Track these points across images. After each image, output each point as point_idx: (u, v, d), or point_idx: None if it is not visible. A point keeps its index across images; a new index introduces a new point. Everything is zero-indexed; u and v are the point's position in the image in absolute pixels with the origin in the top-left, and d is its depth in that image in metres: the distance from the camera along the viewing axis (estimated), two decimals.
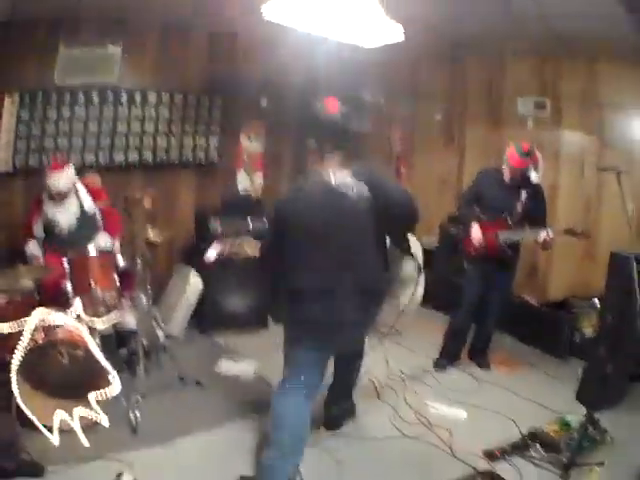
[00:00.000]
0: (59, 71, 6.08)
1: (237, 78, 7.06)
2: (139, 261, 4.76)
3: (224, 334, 6.13)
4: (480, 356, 5.60)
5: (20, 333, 3.81)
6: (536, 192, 5.12)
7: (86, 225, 5.22)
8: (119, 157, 6.62)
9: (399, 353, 5.81)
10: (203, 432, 4.21)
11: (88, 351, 3.97)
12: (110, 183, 6.11)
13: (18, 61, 5.81)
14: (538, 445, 4.00)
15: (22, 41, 5.80)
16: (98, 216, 5.33)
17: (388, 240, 3.71)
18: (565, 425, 4.14)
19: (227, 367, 5.35)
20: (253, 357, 5.51)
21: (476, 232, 5.12)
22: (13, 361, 3.72)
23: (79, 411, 3.92)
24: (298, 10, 4.34)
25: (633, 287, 4.01)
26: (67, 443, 3.78)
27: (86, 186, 5.36)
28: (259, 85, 7.30)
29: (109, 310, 4.59)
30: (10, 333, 3.85)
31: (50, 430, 3.79)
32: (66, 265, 4.54)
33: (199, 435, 4.17)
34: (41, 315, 3.93)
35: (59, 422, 3.83)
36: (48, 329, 3.97)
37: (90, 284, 4.52)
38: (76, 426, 3.87)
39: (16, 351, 3.73)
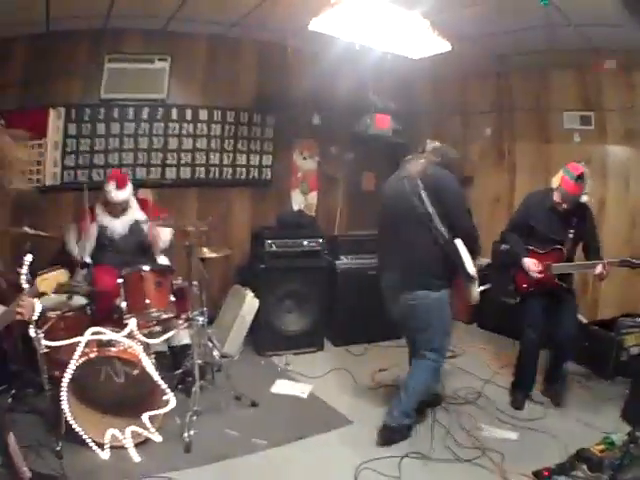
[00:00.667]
0: (105, 85, 6.11)
1: (288, 95, 7.01)
2: (194, 279, 4.74)
3: (280, 355, 6.04)
4: (554, 392, 5.17)
5: (71, 349, 3.81)
6: (586, 216, 4.88)
7: (139, 241, 5.30)
8: (171, 174, 6.62)
9: (454, 374, 5.70)
10: (256, 452, 4.13)
11: (143, 369, 3.94)
12: (163, 200, 6.18)
13: (61, 74, 5.85)
14: (584, 465, 3.87)
15: (63, 54, 5.83)
16: (150, 233, 5.34)
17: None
18: (610, 444, 4.00)
19: (283, 387, 5.27)
20: (309, 378, 5.47)
21: (531, 265, 4.84)
22: (64, 377, 3.71)
23: (132, 428, 3.92)
24: (347, 22, 4.34)
25: None
26: (117, 459, 3.78)
27: (140, 202, 5.43)
28: (310, 102, 7.27)
29: (164, 329, 4.59)
30: (61, 349, 3.86)
31: (100, 446, 3.79)
32: (120, 282, 4.50)
33: (252, 455, 4.09)
34: (94, 332, 3.93)
35: (110, 438, 3.84)
36: (101, 346, 3.97)
37: (145, 302, 4.46)
38: (128, 443, 3.86)
39: (68, 367, 3.73)
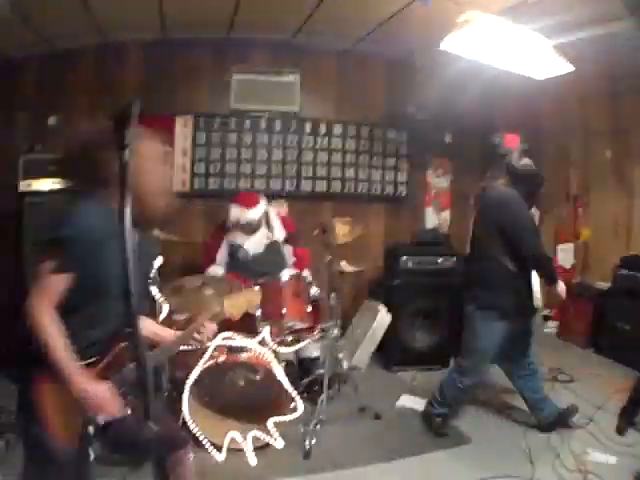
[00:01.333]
0: (235, 96, 6.28)
1: (419, 112, 7.00)
2: (333, 292, 4.79)
3: (407, 370, 6.00)
4: None
5: (198, 353, 3.86)
6: None
7: (275, 253, 5.30)
8: (306, 186, 6.74)
9: (569, 399, 5.46)
10: (375, 464, 4.10)
11: (271, 376, 4.00)
12: (298, 212, 6.25)
13: (184, 82, 6.10)
14: None
15: (184, 61, 6.06)
16: (287, 248, 5.42)
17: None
18: None
19: (407, 402, 5.23)
20: None
21: None
22: (188, 379, 3.80)
23: (253, 433, 3.98)
24: (476, 42, 4.35)
25: None
26: (232, 462, 3.84)
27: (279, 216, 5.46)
28: (441, 120, 7.24)
29: (297, 338, 4.64)
30: (187, 351, 3.87)
31: (217, 448, 3.85)
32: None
33: (369, 467, 4.07)
34: (224, 337, 3.99)
35: (229, 441, 3.90)
36: (231, 351, 4.05)
37: (282, 312, 4.50)
38: (248, 447, 3.90)
39: (193, 370, 3.82)
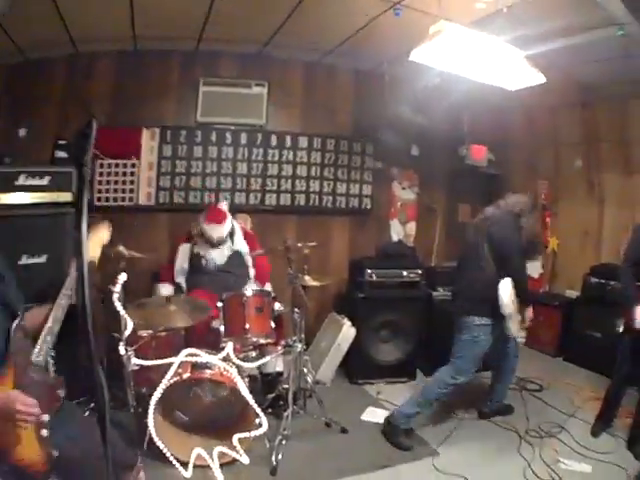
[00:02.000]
0: (202, 108, 6.26)
1: (386, 124, 7.01)
2: (294, 306, 4.79)
3: (372, 384, 6.01)
4: (637, 445, 4.71)
5: (161, 368, 3.86)
6: None
7: (237, 267, 5.32)
8: (271, 200, 6.72)
9: (538, 408, 5.59)
10: (340, 478, 4.10)
11: (235, 392, 3.99)
12: (262, 226, 6.25)
13: (153, 94, 6.07)
14: None
15: (153, 74, 6.04)
16: (250, 262, 5.43)
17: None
18: None
19: (373, 415, 5.23)
20: None
21: (637, 315, 4.52)
22: (153, 395, 3.76)
23: (219, 449, 3.95)
24: (446, 53, 4.38)
25: None
26: (201, 478, 3.83)
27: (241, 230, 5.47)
28: (408, 132, 7.26)
29: (260, 353, 4.64)
30: (151, 368, 3.92)
31: (183, 464, 3.82)
32: (220, 306, 4.53)
33: None
34: (188, 354, 3.97)
35: (195, 457, 3.87)
36: (195, 367, 4.03)
37: (244, 327, 4.48)
38: (214, 463, 3.87)
39: (157, 386, 3.79)
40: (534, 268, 8.05)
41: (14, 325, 2.57)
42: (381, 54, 6.08)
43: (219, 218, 5.18)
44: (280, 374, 5.15)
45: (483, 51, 4.35)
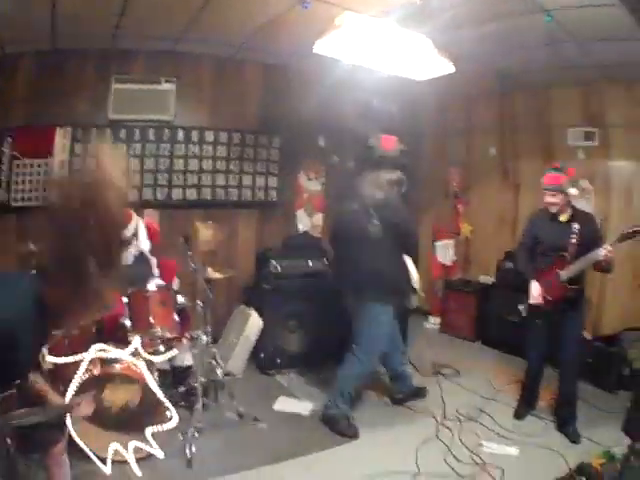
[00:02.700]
0: (113, 106, 6.20)
1: (294, 117, 7.12)
2: (199, 300, 4.80)
3: (283, 373, 6.09)
4: (568, 426, 4.93)
5: (76, 366, 3.82)
6: (588, 222, 4.85)
7: (142, 264, 5.23)
8: (177, 194, 6.70)
9: (456, 392, 5.76)
10: (257, 468, 4.16)
11: (146, 386, 3.98)
12: (168, 220, 6.24)
13: (68, 94, 5.95)
14: (584, 479, 3.90)
15: (69, 73, 5.94)
16: (154, 264, 5.37)
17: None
18: (610, 458, 4.05)
19: (285, 405, 5.32)
20: (311, 396, 5.51)
21: (536, 292, 4.85)
22: (68, 392, 3.69)
23: (134, 443, 3.94)
24: (351, 45, 4.41)
25: None
26: (119, 474, 3.81)
27: (146, 226, 5.39)
28: (316, 124, 7.36)
29: (168, 347, 4.62)
30: (66, 365, 3.86)
31: (103, 461, 3.80)
32: (125, 301, 4.54)
33: (252, 471, 4.12)
34: (99, 350, 3.95)
35: (113, 453, 3.85)
36: (105, 363, 3.99)
37: (149, 321, 4.51)
38: (130, 458, 3.88)
39: (72, 383, 3.74)
40: (446, 255, 8.30)
41: None
42: (290, 48, 6.12)
43: (126, 219, 5.01)
44: (190, 367, 5.14)
45: (390, 42, 4.38)
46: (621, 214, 6.43)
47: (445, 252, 8.35)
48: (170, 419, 4.06)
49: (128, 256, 5.09)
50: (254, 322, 6.06)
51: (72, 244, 1.95)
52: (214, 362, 5.16)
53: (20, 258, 4.49)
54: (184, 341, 4.79)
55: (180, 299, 4.89)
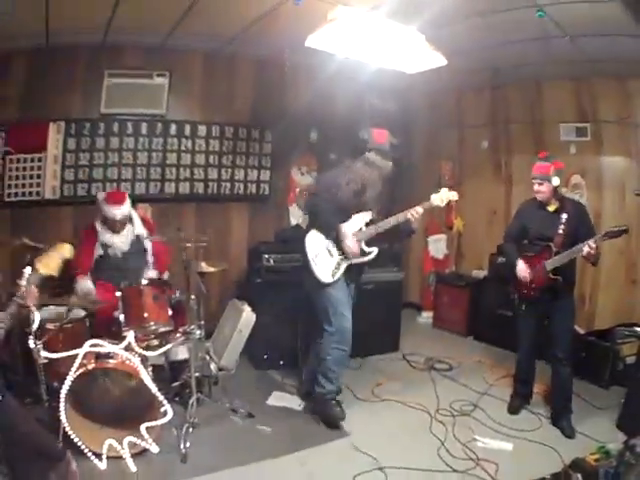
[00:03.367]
0: (105, 100, 6.19)
1: (286, 111, 7.13)
2: (193, 294, 4.79)
3: (276, 368, 6.07)
4: (562, 420, 4.93)
5: (70, 361, 3.83)
6: (578, 212, 4.86)
7: (139, 255, 5.30)
8: (170, 189, 6.69)
9: (449, 386, 5.77)
10: (251, 463, 4.16)
11: (140, 381, 3.97)
12: (161, 214, 6.26)
13: (61, 89, 5.94)
14: (579, 475, 3.87)
15: (63, 68, 5.91)
16: (149, 249, 5.40)
17: None
18: (605, 454, 4.00)
19: (279, 400, 5.32)
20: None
21: (522, 269, 4.90)
22: (62, 388, 3.73)
23: (129, 439, 3.94)
24: (344, 38, 4.41)
25: None
26: (114, 469, 3.81)
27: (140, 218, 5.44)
28: (308, 118, 7.37)
29: (162, 342, 4.62)
30: (60, 360, 3.87)
31: (97, 456, 3.81)
32: (119, 296, 4.54)
33: (246, 467, 4.12)
34: (93, 344, 3.94)
35: (108, 448, 3.86)
36: (99, 358, 3.99)
37: (143, 315, 4.52)
38: (125, 453, 3.88)
39: (66, 378, 3.76)
40: (438, 250, 8.30)
41: None
42: (282, 42, 6.07)
43: (120, 199, 5.14)
44: (185, 362, 5.10)
45: (381, 35, 4.38)
46: (613, 209, 6.43)
47: (437, 246, 8.37)
48: (164, 414, 4.05)
49: (124, 241, 5.16)
50: (247, 317, 6.02)
51: None
52: (207, 357, 5.17)
53: (13, 252, 4.50)
54: (177, 335, 4.75)
55: (174, 293, 4.92)
